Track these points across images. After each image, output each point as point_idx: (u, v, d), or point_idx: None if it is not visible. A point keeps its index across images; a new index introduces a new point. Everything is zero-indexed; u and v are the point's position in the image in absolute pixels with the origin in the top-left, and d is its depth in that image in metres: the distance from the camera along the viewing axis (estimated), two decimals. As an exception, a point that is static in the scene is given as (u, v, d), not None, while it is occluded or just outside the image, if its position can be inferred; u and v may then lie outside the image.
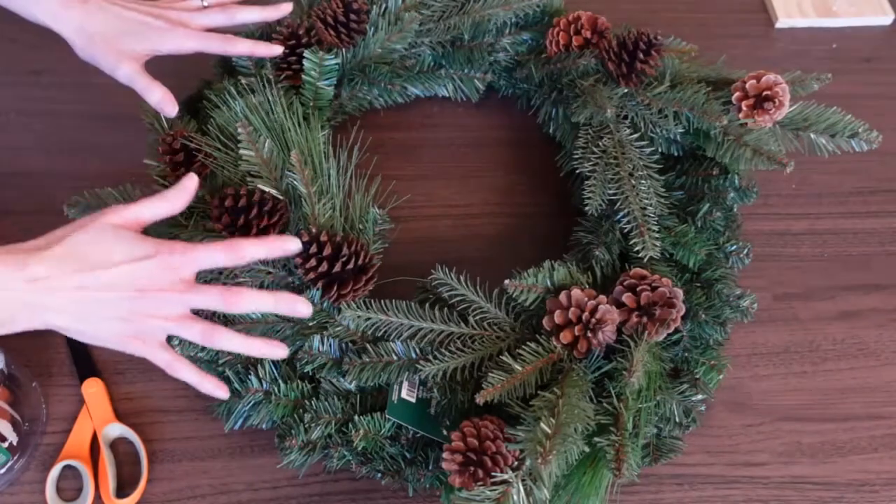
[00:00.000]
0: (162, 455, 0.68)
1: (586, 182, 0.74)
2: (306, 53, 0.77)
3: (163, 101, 0.72)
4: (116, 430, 0.69)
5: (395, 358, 0.65)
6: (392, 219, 0.73)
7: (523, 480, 0.58)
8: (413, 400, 0.65)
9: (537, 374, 0.62)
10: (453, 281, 0.66)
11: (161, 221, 0.61)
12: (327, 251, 0.65)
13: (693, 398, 0.68)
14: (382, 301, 0.66)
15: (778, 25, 1.04)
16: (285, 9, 0.78)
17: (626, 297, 0.65)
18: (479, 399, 0.59)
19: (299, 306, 0.61)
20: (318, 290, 0.65)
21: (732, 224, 0.76)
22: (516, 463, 0.58)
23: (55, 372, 0.71)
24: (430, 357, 0.63)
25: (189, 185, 0.62)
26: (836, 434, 0.73)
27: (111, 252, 0.56)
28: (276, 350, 0.61)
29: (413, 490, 0.66)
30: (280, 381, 0.66)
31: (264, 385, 0.66)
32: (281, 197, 0.70)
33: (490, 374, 0.60)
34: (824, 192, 0.89)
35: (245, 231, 0.67)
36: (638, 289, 0.65)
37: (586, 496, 0.61)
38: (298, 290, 0.67)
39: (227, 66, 0.82)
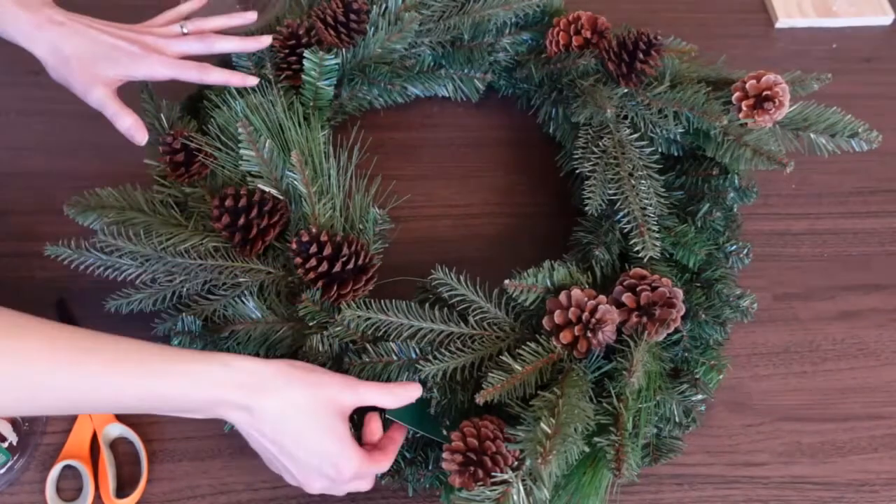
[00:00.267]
0: (162, 455, 0.68)
1: (586, 182, 0.74)
2: (306, 53, 0.77)
3: (132, 128, 0.71)
4: (116, 429, 0.69)
5: (394, 358, 0.65)
6: (392, 219, 0.73)
7: (523, 480, 0.58)
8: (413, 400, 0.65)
9: (537, 374, 0.62)
10: (453, 281, 0.66)
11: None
12: (327, 251, 0.65)
13: (693, 398, 0.68)
14: (382, 301, 0.66)
15: (778, 25, 1.04)
16: (265, 41, 0.77)
17: (626, 297, 0.65)
18: (479, 399, 0.59)
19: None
20: (318, 289, 0.65)
21: (732, 224, 0.76)
22: (516, 463, 0.58)
23: (55, 372, 0.71)
24: (430, 357, 0.63)
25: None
26: (836, 434, 0.73)
27: (313, 441, 0.56)
28: None
29: (413, 490, 0.66)
30: (280, 381, 0.66)
31: (264, 385, 0.66)
32: (281, 197, 0.70)
33: (490, 374, 0.60)
34: (824, 192, 0.89)
35: (245, 231, 0.67)
36: (638, 289, 0.65)
37: (586, 496, 0.61)
38: (298, 289, 0.67)
39: (227, 67, 0.82)
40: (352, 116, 0.89)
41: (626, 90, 0.78)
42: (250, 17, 0.78)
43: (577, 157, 0.77)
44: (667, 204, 0.74)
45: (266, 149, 0.70)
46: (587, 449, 0.60)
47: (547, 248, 0.76)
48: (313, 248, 0.65)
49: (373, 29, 0.82)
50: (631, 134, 0.76)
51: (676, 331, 0.66)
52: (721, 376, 0.69)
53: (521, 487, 0.57)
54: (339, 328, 0.65)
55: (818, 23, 1.05)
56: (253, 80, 0.75)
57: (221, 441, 0.69)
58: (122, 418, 0.69)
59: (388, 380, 0.65)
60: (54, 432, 0.68)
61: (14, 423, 0.66)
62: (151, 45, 0.71)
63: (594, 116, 0.77)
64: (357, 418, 0.62)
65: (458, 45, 0.88)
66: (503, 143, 0.90)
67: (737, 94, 0.74)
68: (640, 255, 0.69)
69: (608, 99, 0.76)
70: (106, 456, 0.67)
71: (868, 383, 0.76)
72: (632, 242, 0.70)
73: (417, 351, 0.65)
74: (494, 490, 0.57)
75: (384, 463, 0.60)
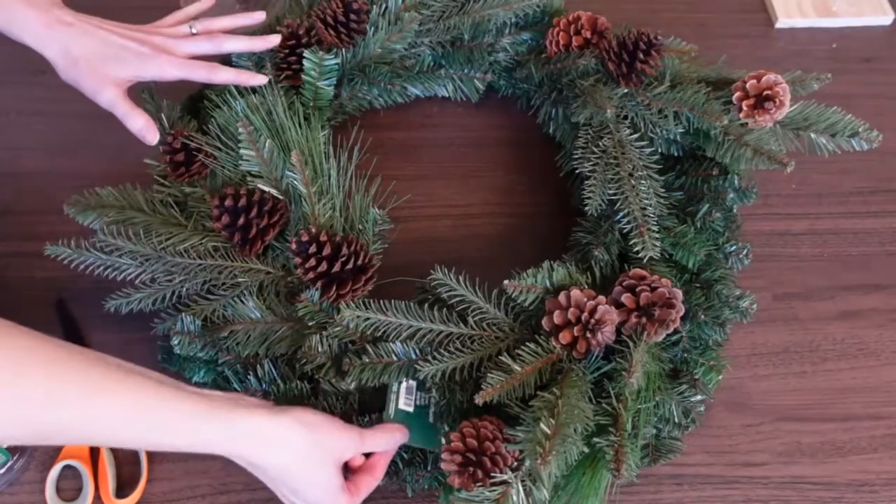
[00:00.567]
0: (162, 455, 0.68)
1: (586, 182, 0.74)
2: (306, 53, 0.77)
3: (144, 128, 0.71)
4: (116, 429, 0.69)
5: (394, 358, 0.65)
6: (392, 219, 0.73)
7: (523, 481, 0.58)
8: (411, 409, 0.65)
9: (536, 374, 0.62)
10: (453, 281, 0.66)
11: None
12: (327, 251, 0.65)
13: (692, 398, 0.68)
14: (382, 301, 0.66)
15: (778, 25, 1.04)
16: (273, 40, 0.77)
17: (626, 298, 0.65)
18: (479, 399, 0.59)
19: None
20: (317, 289, 0.65)
21: (732, 224, 0.76)
22: (516, 463, 0.58)
23: (55, 372, 0.71)
24: (430, 357, 0.63)
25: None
26: (836, 434, 0.73)
27: (309, 494, 0.57)
28: None
29: (412, 490, 0.66)
30: (279, 381, 0.66)
31: (263, 385, 0.66)
32: (281, 197, 0.70)
33: (489, 374, 0.60)
34: (824, 192, 0.89)
35: (245, 231, 0.67)
36: (637, 289, 0.65)
37: (585, 496, 0.61)
38: (297, 289, 0.67)
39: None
40: (352, 116, 0.89)
41: (626, 90, 0.78)
42: (258, 17, 0.78)
43: (576, 157, 0.77)
44: (666, 204, 0.73)
45: (266, 149, 0.70)
46: (586, 449, 0.60)
47: (547, 249, 0.76)
48: (313, 248, 0.65)
49: (373, 29, 0.82)
50: (631, 134, 0.76)
51: (676, 331, 0.66)
52: (720, 377, 0.69)
53: (521, 488, 0.57)
54: (338, 328, 0.65)
55: (818, 23, 1.04)
56: (262, 79, 0.76)
57: (221, 441, 0.69)
58: (121, 418, 0.69)
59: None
60: (54, 432, 0.68)
61: (14, 422, 0.66)
62: (161, 46, 0.71)
63: (594, 116, 0.77)
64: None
65: (458, 45, 0.88)
66: (503, 143, 0.90)
67: (737, 94, 0.74)
68: (639, 255, 0.69)
69: (608, 99, 0.76)
70: (106, 456, 0.67)
71: (868, 383, 0.76)
72: (631, 243, 0.70)
73: (417, 351, 0.65)
74: (494, 490, 0.57)
75: (372, 483, 0.61)
